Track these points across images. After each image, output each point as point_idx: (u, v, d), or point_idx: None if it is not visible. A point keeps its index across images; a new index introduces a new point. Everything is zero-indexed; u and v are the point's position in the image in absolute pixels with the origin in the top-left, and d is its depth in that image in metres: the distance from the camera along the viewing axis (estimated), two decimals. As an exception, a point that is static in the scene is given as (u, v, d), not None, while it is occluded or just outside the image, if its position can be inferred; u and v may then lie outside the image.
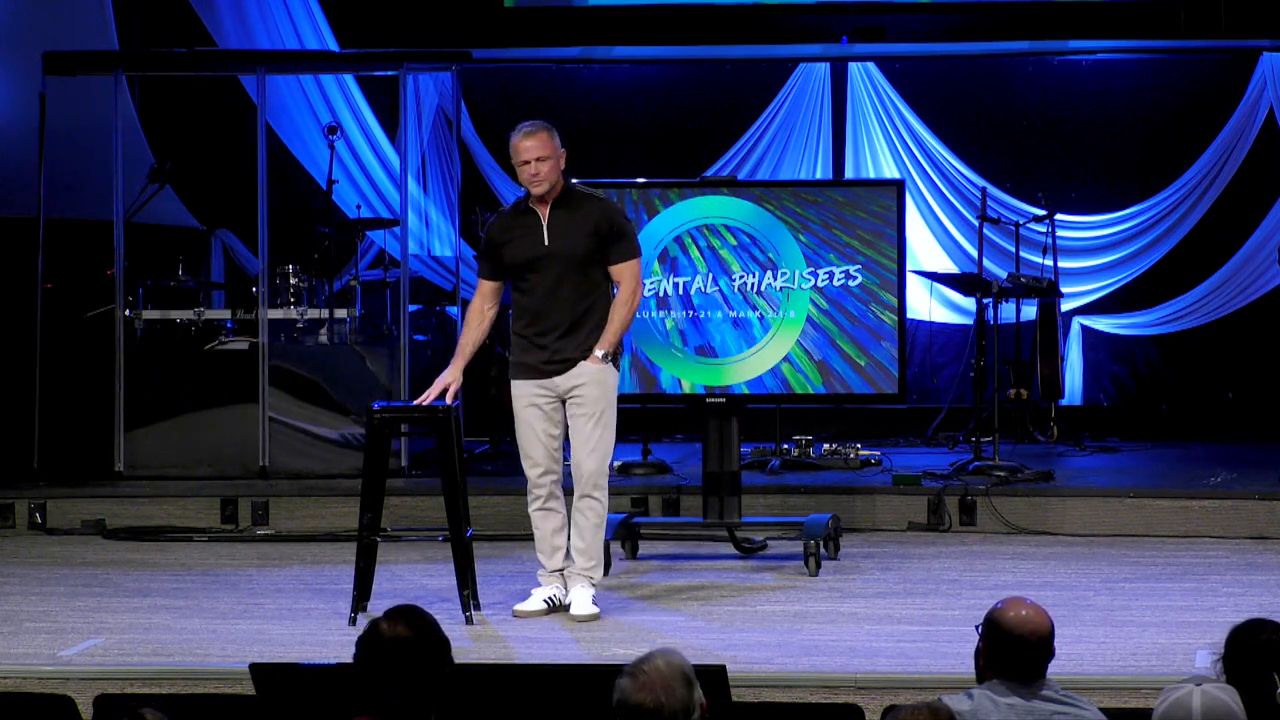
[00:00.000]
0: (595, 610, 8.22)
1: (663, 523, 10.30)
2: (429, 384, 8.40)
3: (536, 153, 8.17)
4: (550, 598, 8.32)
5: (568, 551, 8.33)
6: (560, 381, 8.22)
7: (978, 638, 4.98)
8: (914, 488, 10.67)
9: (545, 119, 8.34)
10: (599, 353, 8.20)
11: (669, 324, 9.55)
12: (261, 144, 11.63)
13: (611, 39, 13.53)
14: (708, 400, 9.56)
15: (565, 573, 8.32)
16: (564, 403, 8.26)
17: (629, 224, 8.44)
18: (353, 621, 8.13)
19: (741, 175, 12.98)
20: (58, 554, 10.11)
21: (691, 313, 9.57)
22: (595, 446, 8.23)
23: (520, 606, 8.32)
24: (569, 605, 8.27)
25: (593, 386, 8.21)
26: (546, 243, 8.20)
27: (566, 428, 8.31)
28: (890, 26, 13.46)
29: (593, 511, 8.27)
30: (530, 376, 8.25)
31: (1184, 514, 10.20)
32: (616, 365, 8.31)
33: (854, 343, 9.55)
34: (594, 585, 8.30)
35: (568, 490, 8.38)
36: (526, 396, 8.26)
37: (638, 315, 9.12)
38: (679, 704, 4.23)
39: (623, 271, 8.26)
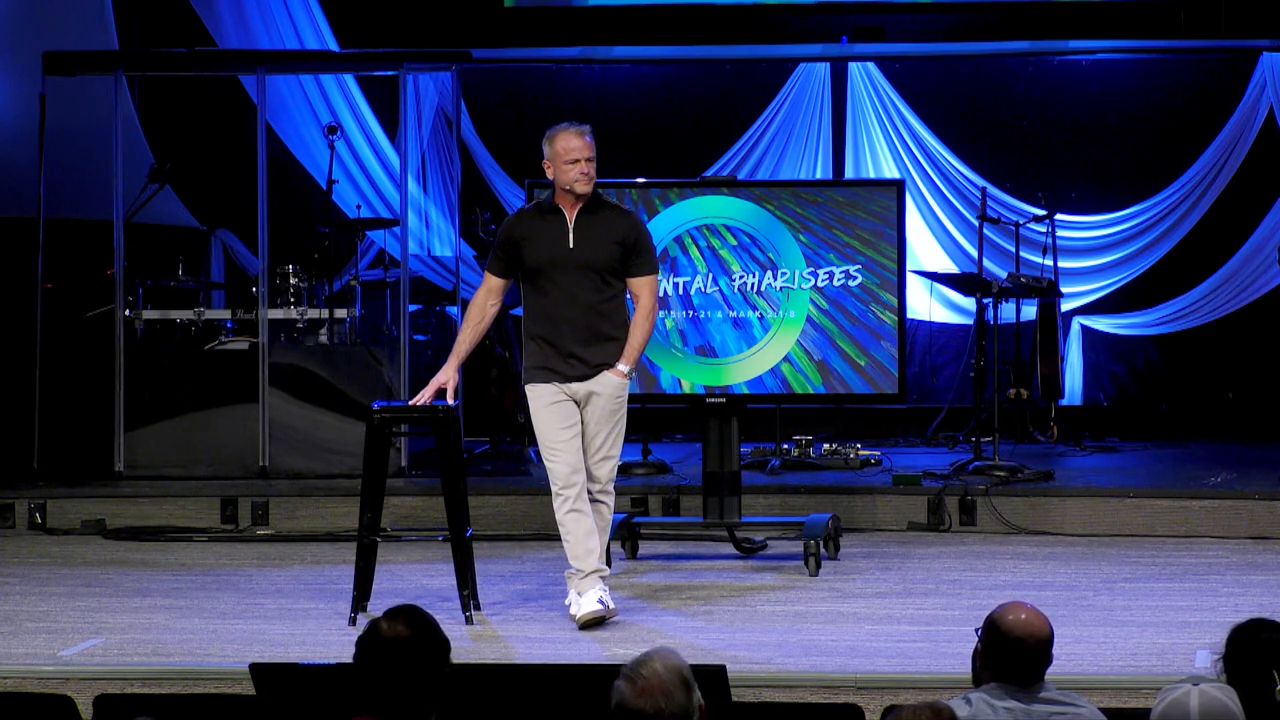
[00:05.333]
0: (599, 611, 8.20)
1: (663, 523, 10.30)
2: (429, 384, 8.38)
3: (588, 152, 8.16)
4: (602, 599, 8.13)
5: (600, 554, 8.25)
6: (578, 387, 8.20)
7: (977, 640, 4.99)
8: (914, 488, 10.67)
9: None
10: (623, 368, 8.20)
11: (669, 324, 9.55)
12: (261, 144, 11.63)
13: (611, 39, 13.52)
14: (708, 400, 9.57)
15: (566, 574, 8.30)
16: (578, 406, 8.24)
17: (650, 236, 8.45)
18: (353, 621, 8.14)
19: (741, 175, 12.97)
20: (58, 554, 10.11)
21: (691, 313, 9.57)
22: (609, 453, 8.25)
23: (581, 614, 8.07)
24: (566, 604, 8.23)
25: (611, 397, 8.21)
26: (571, 245, 8.19)
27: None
28: (890, 26, 13.46)
29: (600, 516, 8.28)
30: (548, 380, 8.22)
31: (1184, 514, 10.20)
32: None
33: (854, 343, 9.55)
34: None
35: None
36: (547, 396, 8.21)
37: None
38: (678, 708, 4.22)
39: (643, 286, 8.25)
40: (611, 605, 8.15)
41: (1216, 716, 4.40)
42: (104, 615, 8.46)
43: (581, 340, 8.19)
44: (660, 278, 9.45)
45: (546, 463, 8.22)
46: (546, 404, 8.21)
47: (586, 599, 8.11)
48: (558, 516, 8.18)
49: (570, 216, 8.21)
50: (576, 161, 8.14)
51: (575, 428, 8.20)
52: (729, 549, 9.76)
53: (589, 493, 8.23)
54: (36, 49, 11.78)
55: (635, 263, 8.24)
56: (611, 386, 8.20)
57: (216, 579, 9.33)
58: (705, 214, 9.59)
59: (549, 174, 8.23)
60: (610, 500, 8.32)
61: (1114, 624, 8.01)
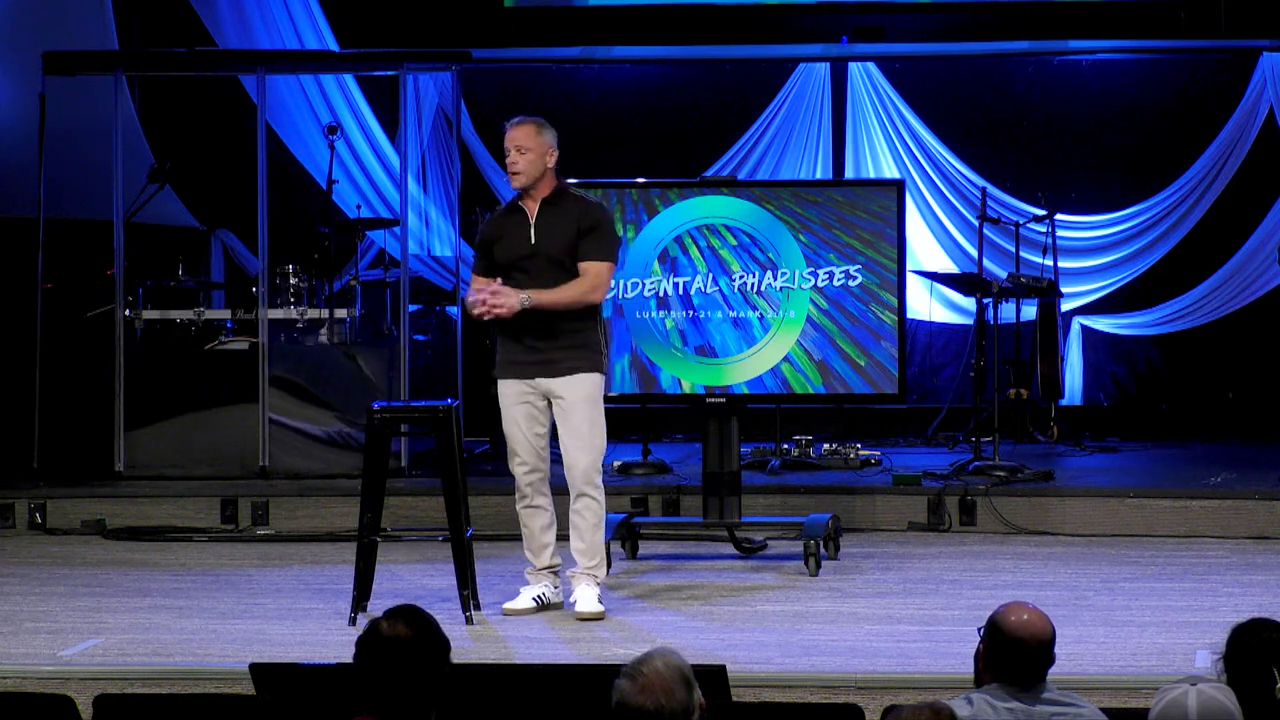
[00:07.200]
0: (601, 609, 8.20)
1: (663, 523, 10.30)
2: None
3: (517, 142, 8.15)
4: (539, 596, 8.32)
5: (555, 550, 8.35)
6: (544, 383, 8.20)
7: (979, 640, 4.99)
8: (914, 488, 10.67)
9: (545, 119, 8.31)
10: (522, 296, 8.04)
11: (669, 324, 9.55)
12: (261, 144, 11.63)
13: (611, 39, 13.53)
14: (708, 400, 9.56)
15: (568, 574, 8.31)
16: (550, 403, 8.24)
17: (611, 229, 8.34)
18: (353, 621, 8.13)
19: (741, 175, 12.97)
20: (58, 554, 10.11)
21: (691, 313, 9.57)
22: (587, 446, 8.19)
23: (510, 605, 8.31)
24: (571, 602, 8.25)
25: (578, 389, 8.17)
26: (533, 241, 8.19)
27: (553, 426, 8.30)
28: (890, 26, 13.47)
29: (590, 511, 8.24)
30: (516, 375, 8.23)
31: (1184, 514, 10.20)
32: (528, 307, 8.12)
33: (854, 343, 9.55)
34: (598, 584, 8.29)
35: (557, 488, 8.38)
36: (514, 395, 8.24)
37: (638, 315, 9.34)
38: (679, 706, 4.23)
39: (588, 269, 8.13)
40: (551, 600, 8.30)
41: (1214, 716, 4.40)
42: (104, 615, 8.46)
43: (547, 334, 8.15)
44: (660, 277, 9.47)
45: (509, 457, 8.31)
46: (513, 403, 8.25)
47: (524, 592, 8.31)
48: (517, 510, 8.34)
49: (532, 212, 8.21)
50: (507, 152, 8.20)
51: (539, 428, 8.24)
52: (729, 549, 9.76)
53: (577, 491, 8.22)
54: (36, 49, 11.78)
55: (584, 244, 8.13)
56: (575, 379, 8.15)
57: (216, 579, 9.33)
58: (705, 214, 9.59)
59: None
60: (599, 495, 8.25)
61: (1114, 624, 8.01)
